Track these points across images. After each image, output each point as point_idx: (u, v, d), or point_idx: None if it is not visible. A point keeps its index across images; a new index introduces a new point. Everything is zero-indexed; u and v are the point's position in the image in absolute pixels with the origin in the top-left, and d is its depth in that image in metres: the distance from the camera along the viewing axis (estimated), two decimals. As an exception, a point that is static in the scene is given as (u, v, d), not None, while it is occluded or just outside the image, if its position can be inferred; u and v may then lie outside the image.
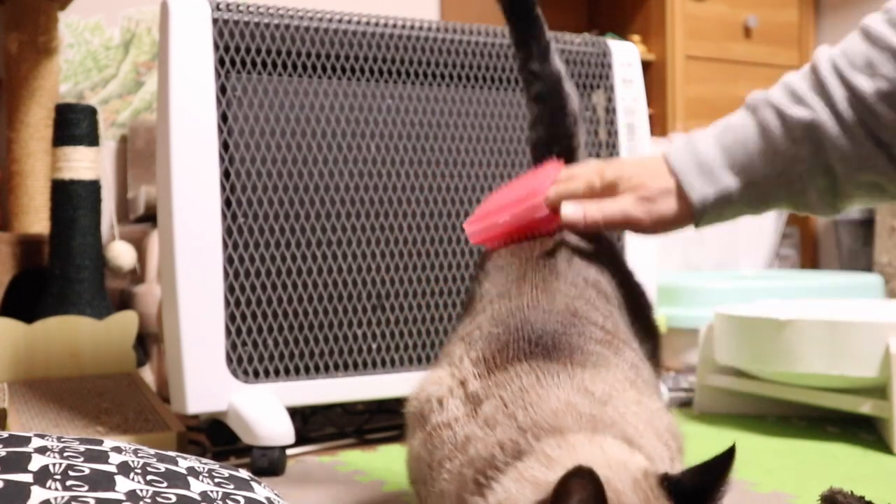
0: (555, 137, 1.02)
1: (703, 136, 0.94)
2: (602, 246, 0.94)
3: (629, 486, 0.59)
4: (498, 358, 0.74)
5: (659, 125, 3.13)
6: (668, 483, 0.60)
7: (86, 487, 0.61)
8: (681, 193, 0.91)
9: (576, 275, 0.85)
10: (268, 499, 0.71)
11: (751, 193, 0.92)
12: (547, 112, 1.02)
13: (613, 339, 0.79)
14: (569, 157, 1.01)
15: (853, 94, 0.88)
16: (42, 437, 0.69)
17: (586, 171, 0.94)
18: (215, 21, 1.40)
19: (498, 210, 0.94)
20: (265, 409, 1.37)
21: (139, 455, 0.70)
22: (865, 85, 0.88)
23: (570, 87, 1.03)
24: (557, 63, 1.02)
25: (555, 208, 0.92)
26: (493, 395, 0.70)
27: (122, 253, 1.91)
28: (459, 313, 0.99)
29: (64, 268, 1.74)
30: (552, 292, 0.82)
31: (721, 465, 0.60)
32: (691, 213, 0.91)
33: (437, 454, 0.71)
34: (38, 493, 0.59)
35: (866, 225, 3.07)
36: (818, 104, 0.89)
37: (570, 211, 0.90)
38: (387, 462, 1.40)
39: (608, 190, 0.92)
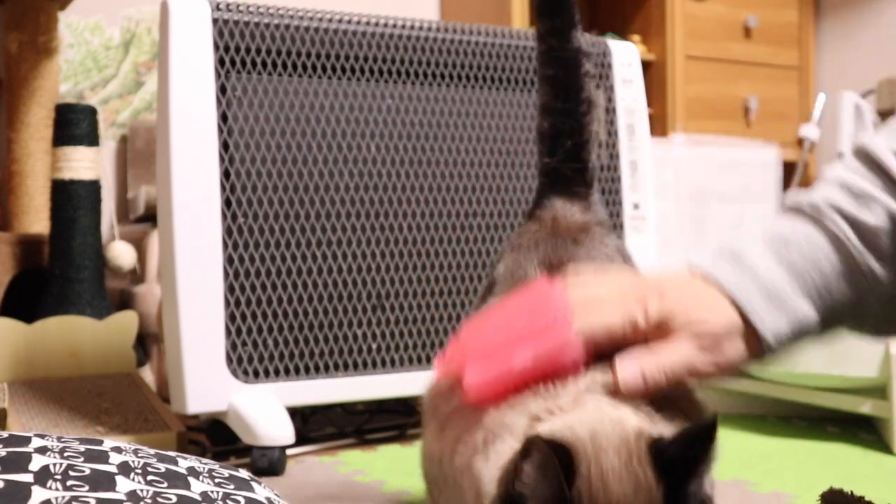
0: (564, 129, 0.91)
1: (757, 254, 0.75)
2: (615, 259, 0.91)
3: (615, 444, 0.59)
4: None
5: (659, 125, 3.13)
6: (657, 449, 0.59)
7: (86, 487, 0.61)
8: (748, 330, 0.72)
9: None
10: (268, 499, 0.71)
11: (826, 326, 0.75)
12: (559, 98, 0.92)
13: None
14: (579, 151, 0.92)
15: None
16: (42, 437, 0.69)
17: (613, 295, 0.73)
18: (215, 21, 1.40)
19: (504, 349, 0.70)
20: (265, 409, 1.37)
21: (139, 455, 0.70)
22: None
23: (588, 70, 0.93)
24: (580, 41, 0.91)
25: (586, 344, 0.70)
26: None
27: (122, 253, 1.91)
28: (477, 296, 0.95)
29: (64, 268, 1.74)
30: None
31: (705, 433, 0.59)
32: (759, 351, 0.73)
33: (450, 436, 0.70)
34: (38, 493, 0.59)
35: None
36: (891, 201, 0.74)
37: (630, 377, 0.68)
38: (387, 462, 1.40)
39: (659, 331, 0.71)
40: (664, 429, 0.63)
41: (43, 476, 0.61)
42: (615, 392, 0.68)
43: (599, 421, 0.61)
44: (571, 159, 0.92)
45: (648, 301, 0.71)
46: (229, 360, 1.39)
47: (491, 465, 0.64)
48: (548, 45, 0.92)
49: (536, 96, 0.96)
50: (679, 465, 0.59)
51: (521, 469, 0.59)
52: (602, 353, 0.69)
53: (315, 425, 1.59)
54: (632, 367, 0.68)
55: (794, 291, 0.73)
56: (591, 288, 0.74)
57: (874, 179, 0.75)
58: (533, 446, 0.57)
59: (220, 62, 1.40)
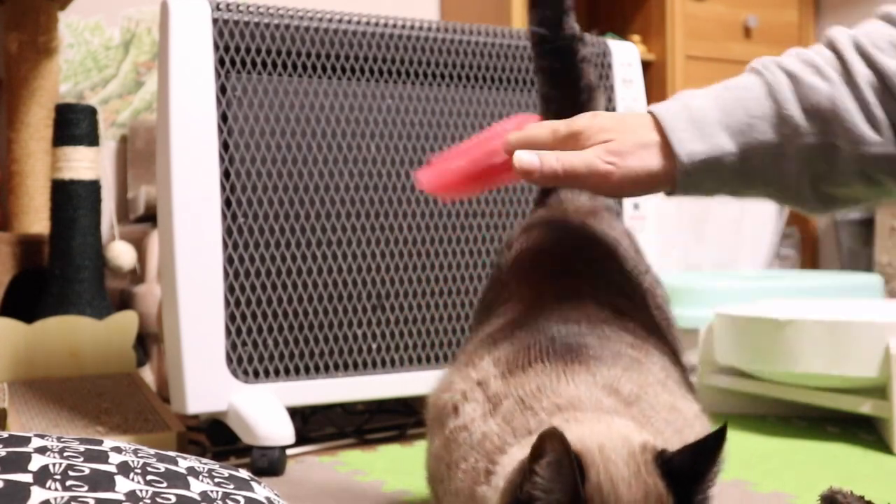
0: (567, 116, 0.89)
1: (698, 94, 0.84)
2: (623, 241, 0.91)
3: (623, 456, 0.59)
4: (520, 359, 0.72)
5: (659, 125, 3.12)
6: (663, 461, 0.60)
7: (86, 487, 0.61)
8: (665, 148, 0.79)
9: (602, 275, 0.84)
10: (268, 499, 0.71)
11: (743, 162, 0.81)
12: (558, 87, 0.93)
13: (644, 343, 0.77)
14: None
15: (879, 75, 0.80)
16: (42, 437, 0.69)
17: (555, 121, 0.83)
18: (215, 21, 1.40)
19: (454, 157, 0.86)
20: (265, 409, 1.37)
21: (139, 455, 0.70)
22: (894, 66, 0.80)
23: (585, 55, 0.93)
24: (574, 27, 0.93)
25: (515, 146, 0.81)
26: (513, 394, 0.69)
27: (122, 253, 1.91)
28: (480, 296, 0.94)
29: (64, 268, 1.74)
30: (580, 294, 0.80)
31: (712, 445, 0.60)
32: (672, 173, 0.79)
33: (455, 455, 0.71)
34: (37, 494, 0.59)
35: (866, 225, 3.07)
36: (837, 79, 0.80)
37: (525, 158, 0.78)
38: (387, 462, 1.40)
39: (573, 139, 0.80)
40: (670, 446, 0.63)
41: (42, 476, 0.61)
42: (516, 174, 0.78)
43: (607, 434, 0.61)
44: None
45: (578, 118, 0.81)
46: (229, 360, 1.39)
47: (493, 493, 0.64)
48: (541, 36, 0.92)
49: (536, 86, 0.96)
50: (686, 477, 0.59)
51: (532, 469, 0.58)
52: None
53: (315, 425, 1.59)
54: (530, 155, 0.78)
55: (718, 123, 0.80)
56: (542, 124, 0.83)
57: (830, 58, 0.82)
58: (547, 441, 0.56)
59: (220, 62, 1.40)
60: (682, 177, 0.80)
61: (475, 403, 0.71)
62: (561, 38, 0.92)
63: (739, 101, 0.82)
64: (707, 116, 0.80)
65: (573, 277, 0.83)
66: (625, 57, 1.73)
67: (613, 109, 1.70)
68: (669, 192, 0.82)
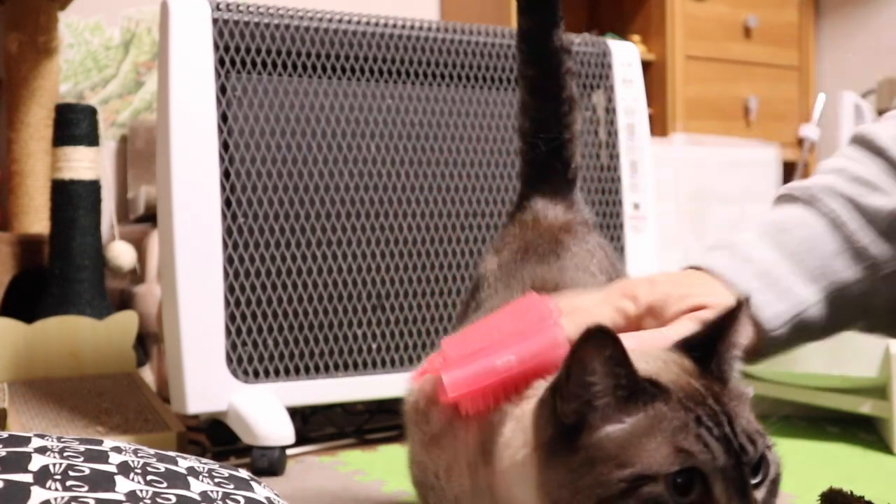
0: (546, 127, 0.89)
1: (750, 241, 0.72)
2: (597, 254, 0.91)
3: (651, 353, 0.60)
4: None
5: (659, 125, 3.13)
6: (684, 345, 0.60)
7: (86, 488, 0.61)
8: (747, 315, 0.65)
9: (577, 268, 0.84)
10: (268, 499, 0.71)
11: (831, 309, 0.71)
12: (540, 97, 0.90)
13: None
14: (561, 151, 0.90)
15: None
16: (42, 437, 0.69)
17: (598, 298, 0.70)
18: (215, 21, 1.40)
19: (486, 351, 0.65)
20: (265, 409, 1.37)
21: (139, 455, 0.70)
22: None
23: (570, 68, 0.91)
24: (562, 39, 0.89)
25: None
26: None
27: (122, 253, 1.91)
28: (462, 300, 0.93)
29: (64, 268, 1.74)
30: (556, 286, 0.79)
31: (725, 321, 0.60)
32: (763, 337, 0.69)
33: (443, 457, 0.71)
34: (38, 494, 0.59)
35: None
36: (894, 188, 0.71)
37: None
38: (387, 462, 1.40)
39: (651, 316, 0.67)
40: None
41: (42, 476, 0.61)
42: None
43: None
44: (553, 158, 0.90)
45: (637, 290, 0.68)
46: (229, 360, 1.39)
47: (511, 437, 0.62)
48: (528, 45, 0.91)
49: (518, 93, 0.93)
50: (707, 351, 0.59)
51: (579, 369, 0.55)
52: None
53: (315, 425, 1.59)
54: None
55: (791, 273, 0.70)
56: (577, 297, 0.71)
57: (875, 165, 0.73)
58: (593, 333, 0.54)
59: (220, 62, 1.40)
60: (767, 342, 0.69)
61: None
62: (549, 48, 0.90)
63: (804, 242, 0.71)
64: (776, 268, 0.70)
65: (551, 269, 0.82)
66: (625, 57, 1.73)
67: (613, 110, 1.70)
68: (761, 356, 0.71)
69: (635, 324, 0.67)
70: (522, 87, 0.92)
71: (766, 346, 0.70)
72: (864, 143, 0.76)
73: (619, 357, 0.55)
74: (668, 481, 0.53)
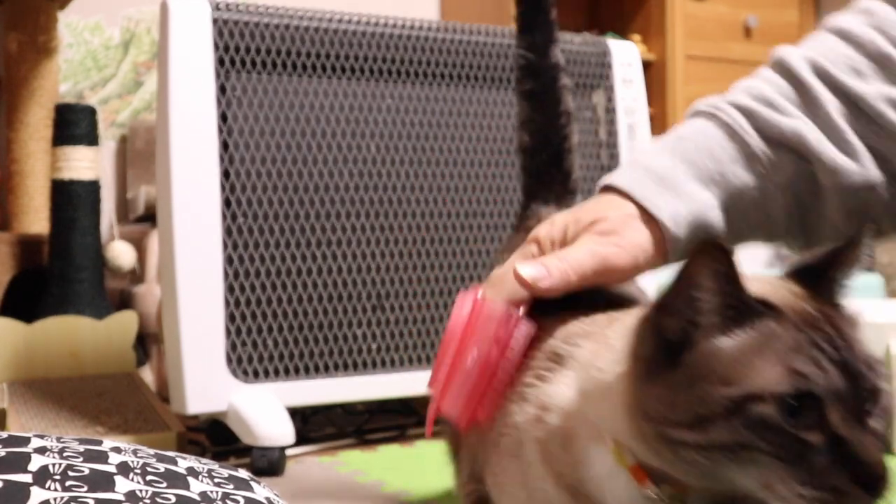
0: (546, 141, 0.92)
1: (651, 152, 0.75)
2: None
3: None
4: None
5: (659, 125, 3.13)
6: (791, 274, 0.58)
7: (85, 488, 0.61)
8: (646, 216, 0.71)
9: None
10: (267, 499, 0.71)
11: (728, 212, 0.73)
12: (539, 112, 0.93)
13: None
14: (561, 162, 0.93)
15: (847, 100, 0.74)
16: (41, 437, 0.69)
17: (512, 258, 0.73)
18: (215, 21, 1.40)
19: (456, 362, 0.68)
20: (265, 410, 1.37)
21: (138, 455, 0.70)
22: (864, 89, 0.74)
23: (566, 83, 0.93)
24: (558, 56, 0.92)
25: (511, 301, 0.68)
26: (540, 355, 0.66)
27: (121, 253, 1.91)
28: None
29: (64, 268, 1.74)
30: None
31: (841, 251, 0.57)
32: (663, 242, 0.71)
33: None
34: (37, 494, 0.59)
35: (866, 225, 3.07)
36: (797, 111, 0.74)
37: (530, 272, 0.67)
38: (387, 462, 1.40)
39: (560, 244, 0.71)
40: None
41: (42, 476, 0.61)
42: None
43: None
44: (554, 169, 0.93)
45: (539, 233, 0.72)
46: (229, 360, 1.39)
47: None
48: (526, 61, 0.93)
49: (517, 111, 0.97)
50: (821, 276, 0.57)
51: (689, 287, 0.53)
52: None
53: (315, 425, 1.59)
54: (534, 266, 0.67)
55: (688, 177, 0.72)
56: (496, 270, 0.74)
57: (783, 85, 0.75)
58: (704, 247, 0.52)
59: (220, 62, 1.40)
60: (671, 244, 0.71)
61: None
62: (546, 64, 0.92)
63: (701, 150, 0.74)
64: (676, 174, 0.73)
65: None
66: (625, 57, 1.73)
67: (614, 110, 1.70)
68: (669, 259, 0.73)
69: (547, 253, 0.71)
70: (521, 103, 0.95)
71: (670, 248, 0.71)
72: (777, 64, 0.79)
73: (730, 273, 0.52)
74: (780, 402, 0.50)
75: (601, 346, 0.60)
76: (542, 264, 0.68)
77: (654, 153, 0.75)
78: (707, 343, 0.53)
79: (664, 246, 0.71)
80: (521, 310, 0.68)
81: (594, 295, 0.71)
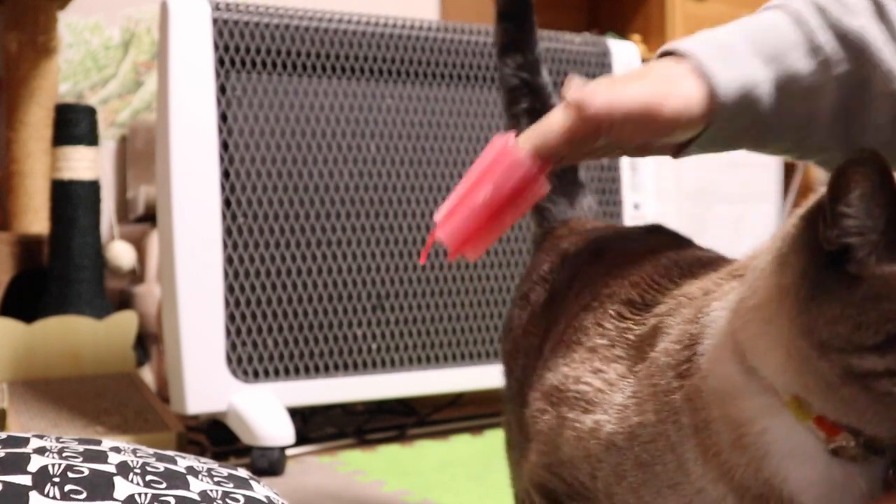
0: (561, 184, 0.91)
1: (720, 29, 0.76)
2: None
3: None
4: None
5: (659, 125, 3.13)
6: None
7: (84, 494, 0.61)
8: (699, 76, 0.71)
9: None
10: (267, 497, 0.71)
11: (779, 93, 0.73)
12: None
13: None
14: (573, 176, 0.93)
15: None
16: (41, 437, 0.69)
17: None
18: (215, 21, 1.40)
19: (465, 198, 0.70)
20: (265, 410, 1.37)
21: (138, 455, 0.70)
22: None
23: (555, 101, 0.92)
24: (546, 75, 0.93)
25: (540, 156, 0.70)
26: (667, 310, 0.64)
27: (121, 253, 1.91)
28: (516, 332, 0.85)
29: (64, 268, 1.74)
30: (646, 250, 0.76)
31: None
32: (711, 104, 0.71)
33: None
34: (35, 501, 0.59)
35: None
36: (868, 15, 0.74)
37: (576, 95, 0.68)
38: (387, 462, 1.40)
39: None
40: None
41: (41, 478, 0.61)
42: (575, 110, 0.67)
43: None
44: (564, 176, 0.93)
45: (591, 85, 0.71)
46: (229, 360, 1.39)
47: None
48: (521, 80, 0.92)
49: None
50: None
51: (842, 205, 0.48)
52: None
53: (315, 425, 1.59)
54: (581, 91, 0.68)
55: (748, 51, 0.73)
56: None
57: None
58: (864, 164, 0.48)
59: (220, 62, 1.40)
60: (717, 110, 0.71)
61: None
62: (540, 84, 0.92)
63: (767, 30, 0.75)
64: (736, 45, 0.73)
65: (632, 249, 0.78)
66: (625, 57, 1.73)
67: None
68: (709, 126, 0.73)
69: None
70: (518, 123, 0.93)
71: (715, 112, 0.72)
72: None
73: (889, 184, 0.48)
74: None
75: (724, 292, 0.57)
76: (591, 90, 0.68)
77: (723, 29, 0.76)
78: (884, 258, 0.48)
79: (710, 108, 0.71)
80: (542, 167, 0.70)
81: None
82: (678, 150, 0.77)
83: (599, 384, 0.64)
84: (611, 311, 0.67)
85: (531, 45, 0.92)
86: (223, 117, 1.40)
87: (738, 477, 0.54)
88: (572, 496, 0.66)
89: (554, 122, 0.70)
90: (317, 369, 1.45)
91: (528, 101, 0.92)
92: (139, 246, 2.07)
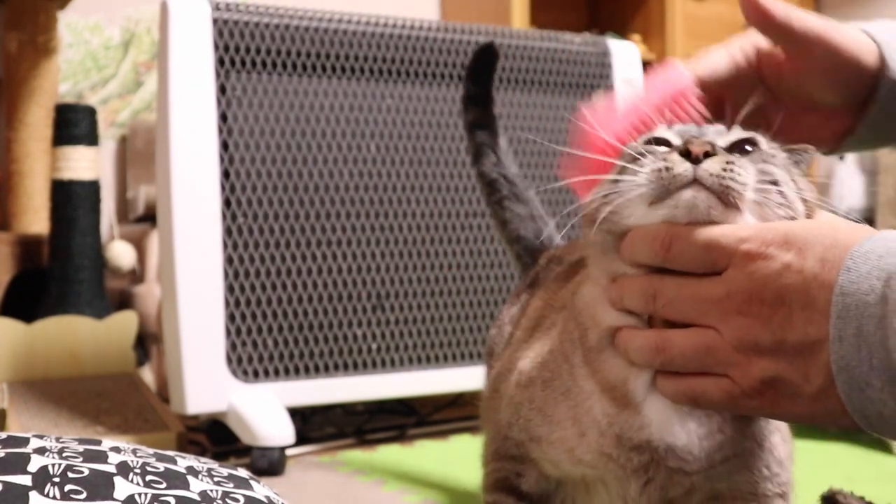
0: (538, 247, 0.96)
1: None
2: None
3: None
4: None
5: (659, 125, 3.13)
6: None
7: (84, 494, 0.61)
8: (871, 40, 0.70)
9: None
10: (267, 497, 0.71)
11: None
12: (528, 218, 0.98)
13: None
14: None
15: None
16: (40, 437, 0.69)
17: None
18: (215, 21, 1.40)
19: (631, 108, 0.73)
20: (265, 410, 1.37)
21: (138, 455, 0.70)
22: None
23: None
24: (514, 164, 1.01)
25: (700, 78, 0.73)
26: None
27: (121, 253, 1.91)
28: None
29: (63, 268, 1.74)
30: None
31: None
32: (882, 64, 0.70)
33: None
34: (36, 501, 0.59)
35: (867, 224, 3.07)
36: None
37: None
38: (387, 462, 1.40)
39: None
40: None
41: (41, 479, 0.61)
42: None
43: None
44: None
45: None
46: (229, 360, 1.39)
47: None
48: (499, 175, 1.02)
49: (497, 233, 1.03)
50: None
51: None
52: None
53: (315, 425, 1.59)
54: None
55: None
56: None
57: None
58: None
59: (220, 62, 1.40)
60: (887, 75, 0.69)
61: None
62: (513, 172, 1.02)
63: None
64: None
65: None
66: (625, 57, 1.73)
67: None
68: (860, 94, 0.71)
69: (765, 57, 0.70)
70: (502, 222, 1.01)
71: (883, 76, 0.70)
72: None
73: None
74: None
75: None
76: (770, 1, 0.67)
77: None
78: None
79: (881, 66, 0.70)
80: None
81: None
82: (840, 137, 0.74)
83: (530, 353, 0.70)
84: (542, 301, 0.76)
85: (498, 138, 1.01)
86: (223, 117, 1.40)
87: (602, 374, 0.62)
88: (520, 473, 0.70)
89: (723, 51, 0.70)
90: (317, 369, 1.45)
91: (511, 190, 1.01)
92: (139, 246, 2.07)
